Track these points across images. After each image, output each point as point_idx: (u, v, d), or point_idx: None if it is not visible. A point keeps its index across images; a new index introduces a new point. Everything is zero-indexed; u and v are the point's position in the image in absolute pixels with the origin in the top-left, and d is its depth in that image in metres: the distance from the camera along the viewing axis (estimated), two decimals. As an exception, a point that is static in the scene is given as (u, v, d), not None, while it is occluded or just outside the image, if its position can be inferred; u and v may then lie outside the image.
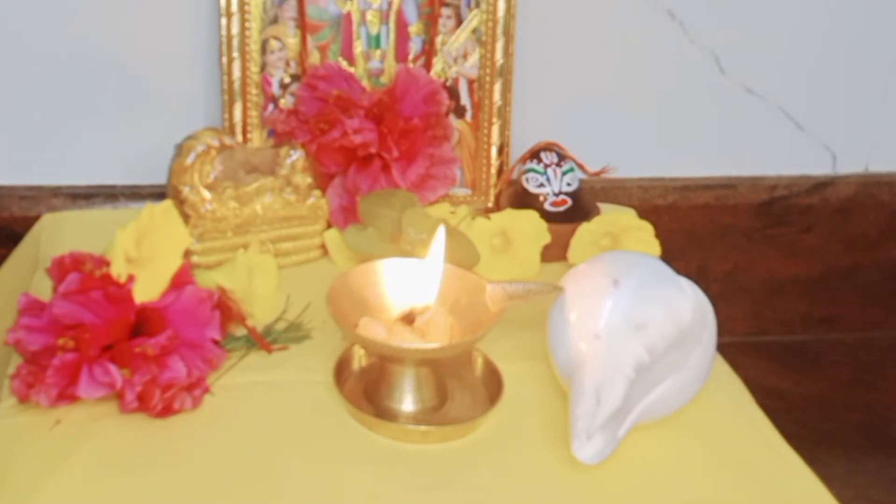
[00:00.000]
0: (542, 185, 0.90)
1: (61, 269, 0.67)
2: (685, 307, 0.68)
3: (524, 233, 0.87)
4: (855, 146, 1.09)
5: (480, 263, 0.83)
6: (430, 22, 0.93)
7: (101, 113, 0.94)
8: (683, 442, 0.68)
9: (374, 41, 0.93)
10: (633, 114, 1.03)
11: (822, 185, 1.08)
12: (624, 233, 0.89)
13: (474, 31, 0.94)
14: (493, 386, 0.71)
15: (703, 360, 0.67)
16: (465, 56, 0.94)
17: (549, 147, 0.92)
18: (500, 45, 0.93)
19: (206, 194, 0.81)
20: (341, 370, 0.71)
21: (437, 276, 0.71)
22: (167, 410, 0.66)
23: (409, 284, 0.71)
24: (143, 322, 0.68)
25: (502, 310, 0.69)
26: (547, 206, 0.90)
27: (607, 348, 0.66)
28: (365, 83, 0.92)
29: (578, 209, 0.91)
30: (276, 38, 0.91)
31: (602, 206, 0.94)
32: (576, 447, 0.62)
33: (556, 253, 0.88)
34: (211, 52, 0.92)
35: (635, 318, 0.66)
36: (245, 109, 0.91)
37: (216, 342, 0.69)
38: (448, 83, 0.95)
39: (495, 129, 0.95)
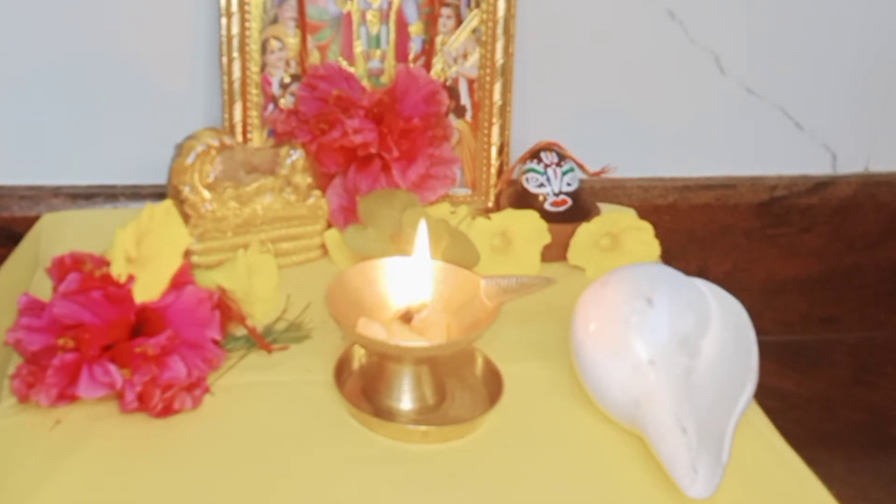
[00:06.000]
0: (542, 185, 0.90)
1: (61, 269, 0.67)
2: (711, 308, 0.68)
3: (524, 233, 0.87)
4: (855, 146, 1.08)
5: (480, 263, 0.83)
6: (430, 22, 0.93)
7: (101, 113, 0.94)
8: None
9: (375, 41, 0.93)
10: (633, 113, 1.03)
11: (822, 185, 1.08)
12: (624, 233, 0.88)
13: (474, 30, 0.94)
14: (493, 386, 0.71)
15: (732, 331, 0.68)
16: (465, 56, 0.94)
17: (549, 147, 0.92)
18: (500, 45, 0.93)
19: (206, 194, 0.81)
20: (341, 370, 0.72)
21: (431, 273, 0.71)
22: (167, 410, 0.66)
23: (406, 283, 0.71)
24: (143, 322, 0.68)
25: (499, 307, 0.69)
26: (547, 206, 0.90)
27: (667, 372, 0.65)
28: (365, 83, 0.92)
29: (578, 209, 0.91)
30: (277, 37, 0.91)
31: (602, 206, 0.94)
32: (686, 486, 0.61)
33: (556, 253, 0.88)
34: (211, 52, 0.92)
35: (678, 333, 0.66)
36: (245, 109, 0.91)
37: (216, 342, 0.69)
38: (448, 83, 0.94)
39: (495, 129, 0.95)
